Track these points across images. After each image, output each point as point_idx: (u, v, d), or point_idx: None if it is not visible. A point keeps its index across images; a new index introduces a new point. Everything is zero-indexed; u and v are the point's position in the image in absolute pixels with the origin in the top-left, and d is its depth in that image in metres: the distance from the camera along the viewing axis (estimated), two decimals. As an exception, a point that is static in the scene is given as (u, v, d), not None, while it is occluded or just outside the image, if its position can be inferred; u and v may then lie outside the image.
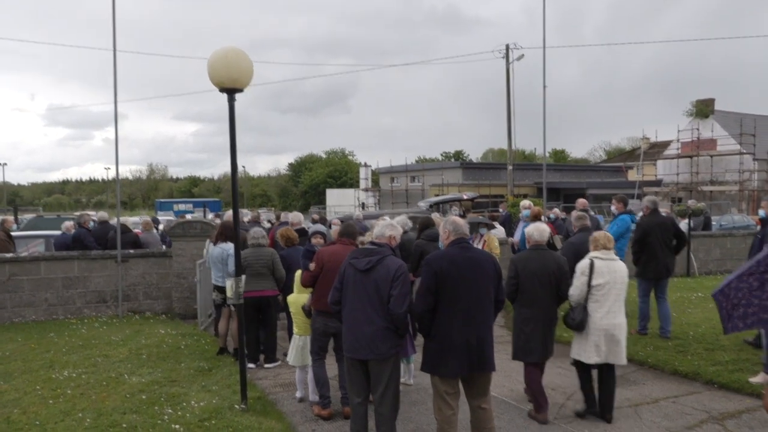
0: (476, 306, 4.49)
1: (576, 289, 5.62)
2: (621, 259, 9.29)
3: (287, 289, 6.92)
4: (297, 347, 6.22)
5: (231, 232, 8.04)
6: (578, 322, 5.54)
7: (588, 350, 5.58)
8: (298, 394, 6.36)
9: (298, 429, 5.52)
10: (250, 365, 7.50)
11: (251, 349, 7.65)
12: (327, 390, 5.83)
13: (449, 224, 4.73)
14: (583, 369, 5.77)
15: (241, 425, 5.23)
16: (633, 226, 9.01)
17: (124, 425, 5.19)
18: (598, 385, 5.76)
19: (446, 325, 4.46)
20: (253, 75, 5.76)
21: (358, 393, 4.74)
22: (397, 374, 4.81)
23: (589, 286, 5.55)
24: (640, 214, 9.25)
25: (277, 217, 13.69)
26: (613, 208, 9.46)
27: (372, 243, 4.90)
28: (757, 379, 6.37)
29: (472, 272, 4.49)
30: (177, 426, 5.16)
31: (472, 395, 4.64)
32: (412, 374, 6.80)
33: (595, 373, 5.75)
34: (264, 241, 7.64)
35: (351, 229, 6.07)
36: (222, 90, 5.63)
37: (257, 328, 7.72)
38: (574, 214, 8.08)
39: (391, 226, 5.03)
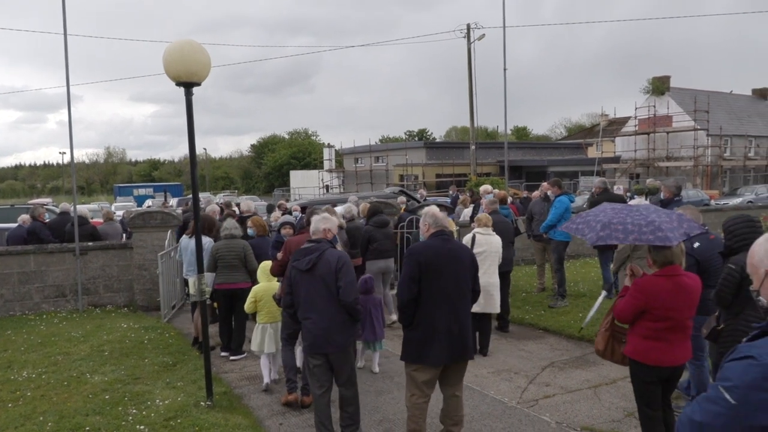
0: (457, 296, 4.60)
1: None
2: (568, 241, 9.94)
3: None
4: (268, 335, 6.35)
5: (212, 226, 8.13)
6: None
7: None
8: (265, 380, 6.42)
9: (265, 423, 5.54)
10: (223, 354, 7.67)
11: (224, 338, 7.77)
12: (294, 375, 5.98)
13: (429, 217, 4.81)
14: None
15: (207, 423, 5.22)
16: (571, 206, 9.76)
17: (88, 428, 5.12)
18: (479, 331, 7.26)
19: (430, 314, 4.53)
20: (210, 67, 5.65)
21: (321, 385, 4.83)
22: (354, 357, 5.06)
23: None
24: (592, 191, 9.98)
25: (227, 206, 13.10)
26: (549, 192, 9.99)
27: (309, 240, 4.94)
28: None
29: (453, 263, 4.61)
30: (142, 427, 5.12)
31: (448, 383, 4.74)
32: (377, 362, 6.94)
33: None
34: (237, 233, 7.62)
35: None
36: (179, 84, 5.50)
37: (230, 318, 7.73)
38: (486, 200, 9.07)
39: (324, 220, 5.04)
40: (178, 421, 5.27)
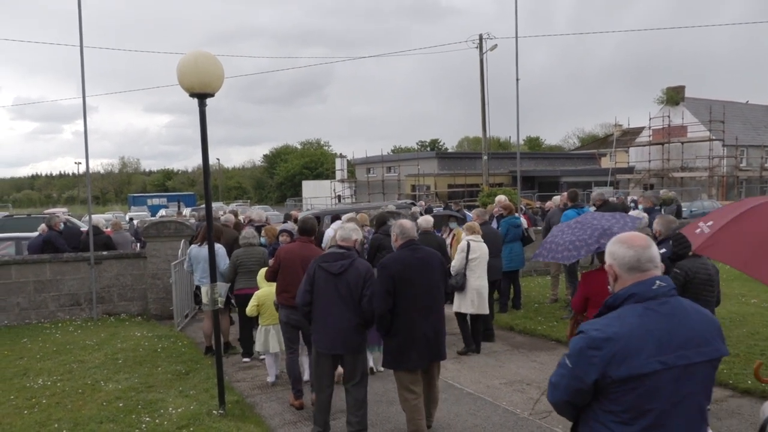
0: (430, 302, 4.96)
1: (457, 262, 7.68)
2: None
3: None
4: (271, 335, 6.74)
5: (219, 234, 8.40)
6: (460, 285, 7.65)
7: (466, 304, 7.65)
8: (269, 379, 6.94)
9: (277, 433, 5.55)
10: (245, 359, 7.88)
11: (246, 344, 7.96)
12: (300, 384, 6.20)
13: (397, 228, 5.19)
14: (462, 318, 7.80)
15: (220, 431, 5.24)
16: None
17: (101, 435, 5.16)
18: (472, 330, 7.86)
19: (406, 322, 4.86)
20: (224, 78, 5.72)
21: (328, 385, 5.15)
22: (366, 360, 5.32)
23: (467, 260, 7.63)
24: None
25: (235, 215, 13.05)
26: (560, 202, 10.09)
27: (339, 246, 5.21)
28: None
29: (424, 271, 4.96)
30: (155, 435, 5.16)
31: (424, 376, 5.17)
32: (379, 362, 7.05)
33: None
34: (255, 241, 7.93)
35: (308, 225, 6.43)
36: (192, 95, 5.57)
37: (250, 324, 7.84)
38: (476, 210, 9.52)
39: (356, 230, 5.36)
40: (191, 429, 5.29)
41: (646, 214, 8.72)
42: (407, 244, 5.06)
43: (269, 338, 6.75)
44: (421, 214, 10.78)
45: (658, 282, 2.35)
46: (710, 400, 2.42)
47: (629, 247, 2.41)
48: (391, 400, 6.26)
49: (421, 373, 5.11)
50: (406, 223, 5.22)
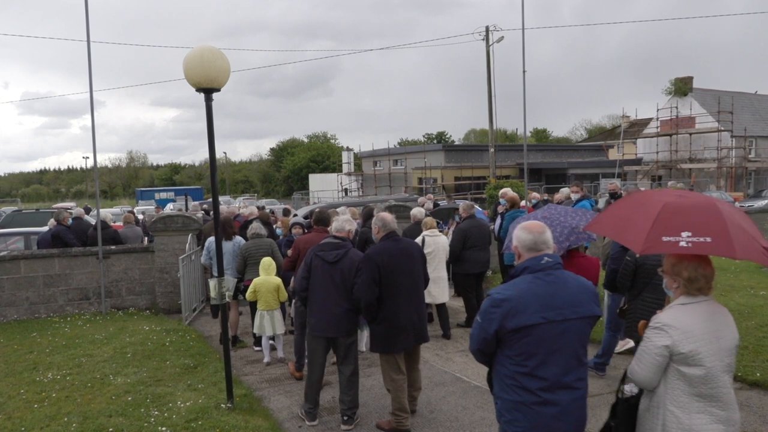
0: (413, 289, 5.26)
1: None
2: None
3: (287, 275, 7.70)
4: (266, 320, 7.22)
5: (235, 225, 8.78)
6: None
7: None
8: (266, 360, 7.49)
9: (285, 426, 5.57)
10: (257, 348, 8.14)
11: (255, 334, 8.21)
12: (303, 358, 6.68)
13: (378, 221, 5.42)
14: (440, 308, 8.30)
15: (228, 425, 5.26)
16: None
17: (111, 429, 5.19)
18: (439, 319, 8.45)
19: (393, 309, 5.13)
20: (230, 73, 5.71)
21: (321, 365, 5.50)
22: (357, 343, 5.63)
23: None
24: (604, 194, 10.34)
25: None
26: (573, 195, 10.08)
27: (334, 237, 5.49)
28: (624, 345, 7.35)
29: (406, 260, 5.24)
30: (164, 428, 5.17)
31: (409, 362, 5.46)
32: (365, 342, 7.49)
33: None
34: (263, 232, 8.22)
35: (323, 217, 6.81)
36: (199, 90, 5.57)
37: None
38: (463, 204, 9.56)
39: (350, 221, 5.65)
40: (199, 422, 5.32)
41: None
42: (389, 235, 5.32)
43: (264, 322, 7.21)
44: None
45: (546, 258, 3.05)
46: (586, 350, 3.12)
47: (529, 233, 3.12)
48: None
49: (405, 357, 5.39)
50: (387, 216, 5.45)
